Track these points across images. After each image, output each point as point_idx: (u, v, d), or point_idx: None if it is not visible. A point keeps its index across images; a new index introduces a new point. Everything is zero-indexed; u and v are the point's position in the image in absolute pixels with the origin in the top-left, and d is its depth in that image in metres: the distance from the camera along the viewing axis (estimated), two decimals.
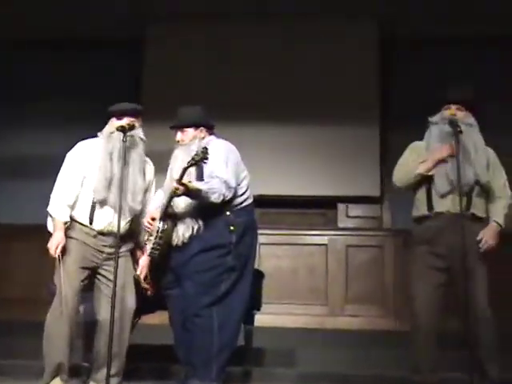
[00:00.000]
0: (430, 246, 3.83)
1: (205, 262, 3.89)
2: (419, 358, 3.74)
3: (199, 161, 3.80)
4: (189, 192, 3.81)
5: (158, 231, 3.94)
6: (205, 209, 3.93)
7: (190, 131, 4.13)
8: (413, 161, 3.94)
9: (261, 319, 6.17)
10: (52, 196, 4.01)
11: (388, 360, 5.37)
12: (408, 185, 3.97)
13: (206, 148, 3.84)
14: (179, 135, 4.14)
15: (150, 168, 4.22)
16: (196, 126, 4.13)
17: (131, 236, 4.12)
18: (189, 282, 3.89)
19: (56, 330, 3.87)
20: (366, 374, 5.47)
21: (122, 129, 3.91)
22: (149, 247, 3.99)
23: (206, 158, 3.80)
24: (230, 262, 3.92)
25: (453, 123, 3.73)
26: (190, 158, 3.82)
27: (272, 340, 6.21)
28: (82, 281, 3.98)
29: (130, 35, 7.69)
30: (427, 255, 3.83)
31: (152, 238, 3.97)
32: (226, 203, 3.95)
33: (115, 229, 3.86)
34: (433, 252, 3.82)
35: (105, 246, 4.00)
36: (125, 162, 3.88)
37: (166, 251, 3.99)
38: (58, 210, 3.95)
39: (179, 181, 3.78)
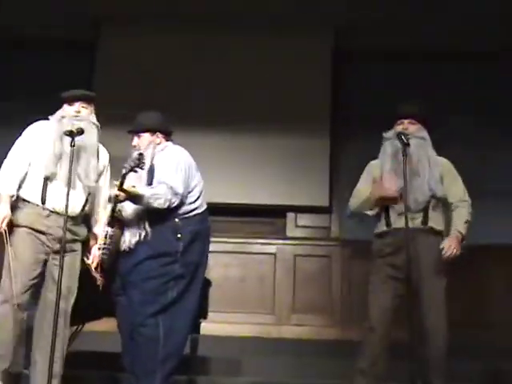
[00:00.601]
0: (388, 259, 3.88)
1: (151, 269, 3.83)
2: (369, 363, 3.76)
3: (134, 167, 3.76)
4: (131, 198, 3.77)
5: (105, 236, 3.88)
6: (153, 215, 3.89)
7: (146, 136, 4.10)
8: (365, 189, 3.95)
9: (207, 328, 6.13)
10: None
11: (333, 369, 5.39)
12: (361, 213, 4.02)
13: (141, 154, 3.81)
14: (135, 140, 4.11)
15: (104, 154, 4.15)
16: (152, 132, 4.10)
17: (84, 225, 4.03)
18: (134, 291, 3.84)
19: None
20: (312, 383, 5.49)
21: (69, 133, 3.82)
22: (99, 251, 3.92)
23: (141, 165, 3.76)
24: (177, 270, 3.87)
25: (400, 136, 3.77)
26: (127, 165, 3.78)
27: (218, 349, 6.18)
28: (34, 278, 3.84)
29: (81, 36, 7.60)
30: (385, 266, 3.88)
31: (101, 242, 3.91)
32: (175, 210, 3.91)
33: (70, 209, 3.75)
34: (390, 264, 3.86)
35: (58, 227, 3.81)
36: (71, 165, 3.79)
37: (115, 256, 3.92)
38: (1, 183, 3.82)
39: (120, 187, 3.73)
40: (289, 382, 5.49)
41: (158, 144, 4.09)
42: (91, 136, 3.98)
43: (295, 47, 7.57)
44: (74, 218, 3.89)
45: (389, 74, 7.38)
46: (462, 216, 3.88)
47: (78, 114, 3.98)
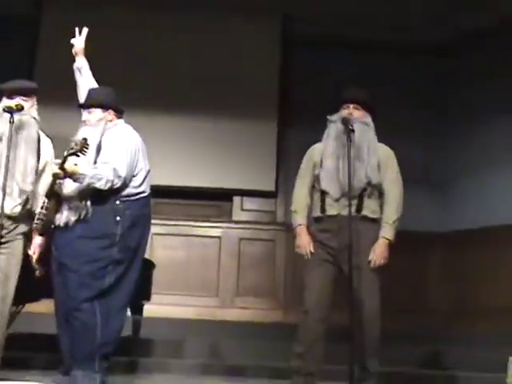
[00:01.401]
0: (323, 245, 3.90)
1: (88, 252, 3.78)
2: (305, 346, 3.80)
3: (76, 151, 3.71)
4: (72, 176, 3.72)
5: (42, 206, 3.84)
6: (95, 195, 3.83)
7: (98, 112, 4.00)
8: (302, 195, 3.99)
9: (151, 310, 6.15)
10: None
11: (276, 351, 5.45)
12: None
13: (85, 139, 3.74)
14: (86, 115, 4.02)
15: (47, 148, 4.06)
16: (104, 108, 4.02)
17: (27, 218, 3.96)
18: (71, 274, 3.78)
19: None
20: (255, 364, 5.53)
21: (9, 109, 3.74)
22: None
23: (84, 150, 3.71)
24: (115, 254, 3.82)
25: (345, 121, 3.80)
26: (72, 144, 3.72)
27: (162, 331, 6.17)
28: None
29: (27, 11, 7.43)
30: (320, 250, 3.90)
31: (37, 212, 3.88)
32: (117, 192, 3.86)
33: (6, 211, 3.70)
34: (325, 249, 3.89)
35: None
36: (11, 143, 3.70)
37: (50, 229, 3.88)
38: None
39: (61, 166, 3.68)
40: (231, 363, 5.52)
41: (110, 121, 4.02)
42: (31, 131, 3.90)
43: (244, 33, 7.56)
44: (13, 217, 3.84)
45: (335, 62, 7.43)
46: (391, 214, 3.89)
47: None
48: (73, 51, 4.35)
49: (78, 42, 4.34)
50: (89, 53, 4.33)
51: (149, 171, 4.04)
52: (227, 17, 7.49)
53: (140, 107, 7.16)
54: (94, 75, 4.37)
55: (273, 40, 7.65)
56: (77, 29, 4.35)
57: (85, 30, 4.37)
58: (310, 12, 7.38)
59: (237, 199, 7.60)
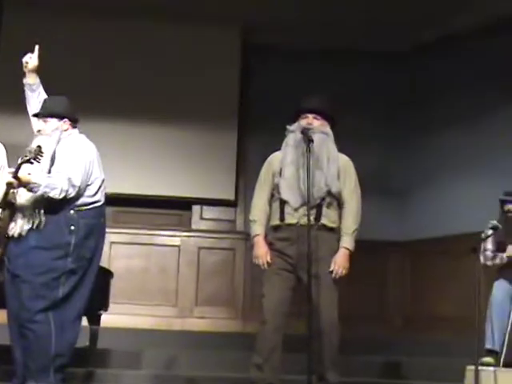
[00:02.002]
0: (281, 254, 3.90)
1: (42, 263, 3.73)
2: (263, 357, 3.78)
3: (30, 159, 3.67)
4: (26, 185, 3.67)
5: None
6: (48, 204, 3.78)
7: (53, 122, 3.97)
8: (260, 204, 3.98)
9: (109, 320, 6.07)
10: None
11: (235, 361, 5.42)
12: None
13: (39, 147, 3.71)
14: (41, 124, 3.98)
15: (0, 155, 4.00)
16: (59, 117, 3.98)
17: None
18: (24, 285, 3.73)
19: None
20: (213, 375, 5.50)
21: None
22: None
23: (38, 158, 3.67)
24: (69, 264, 3.78)
25: (304, 132, 3.81)
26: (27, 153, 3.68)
27: (119, 341, 6.10)
28: None
29: None
30: (278, 259, 3.89)
31: None
32: (72, 201, 3.82)
33: None
34: (283, 257, 3.89)
35: None
36: None
37: (4, 240, 3.81)
38: None
39: (14, 174, 3.63)
40: (189, 374, 5.47)
41: (65, 130, 3.99)
42: None
43: (204, 43, 7.52)
44: None
45: (295, 71, 7.47)
46: (350, 224, 3.92)
47: None
48: (25, 69, 4.26)
49: (32, 60, 4.25)
50: (40, 69, 4.27)
51: (103, 180, 4.00)
52: (188, 26, 7.46)
53: (100, 116, 7.12)
54: (51, 84, 4.31)
55: (233, 49, 7.65)
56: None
57: (36, 48, 4.29)
58: (271, 22, 7.40)
59: (196, 208, 7.56)
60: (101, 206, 3.96)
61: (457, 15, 7.02)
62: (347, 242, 3.90)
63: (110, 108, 7.25)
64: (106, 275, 5.40)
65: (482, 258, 4.86)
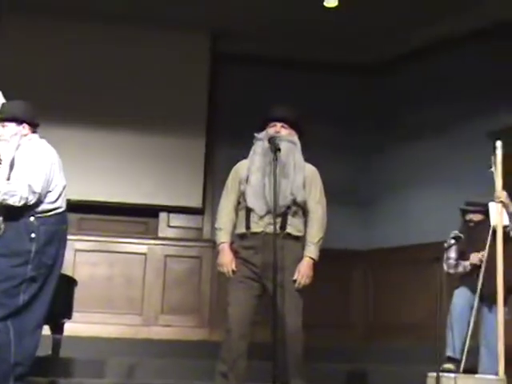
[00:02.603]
0: (247, 262, 3.91)
1: (1, 270, 3.68)
2: (228, 365, 3.78)
3: None
4: None
5: None
6: (8, 211, 3.74)
7: (12, 126, 3.91)
8: (227, 211, 3.99)
9: (73, 328, 6.01)
10: None
11: (201, 370, 5.40)
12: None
13: None
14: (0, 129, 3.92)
15: None
16: (18, 122, 3.93)
17: None
18: None
19: None
20: (177, 383, 5.47)
21: None
22: None
23: None
24: (29, 272, 3.73)
25: (271, 141, 3.83)
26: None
27: (83, 350, 6.04)
28: None
29: None
30: (243, 267, 3.90)
31: None
32: (32, 208, 3.77)
33: None
34: (248, 266, 3.90)
35: None
36: None
37: None
38: None
39: None
40: (152, 382, 5.44)
41: (25, 135, 3.93)
42: None
43: (173, 49, 7.53)
44: None
45: (264, 80, 7.51)
46: (315, 233, 3.94)
47: None
48: None
49: None
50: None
51: (65, 186, 3.96)
52: (156, 32, 7.45)
53: (64, 121, 7.07)
54: (13, 89, 4.26)
55: (202, 56, 7.65)
56: None
57: None
58: (240, 29, 7.44)
59: (163, 215, 7.53)
60: (62, 212, 3.92)
61: (423, 27, 7.13)
62: (311, 252, 3.92)
63: (74, 113, 7.19)
64: (69, 283, 5.36)
65: (445, 267, 4.94)
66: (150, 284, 7.07)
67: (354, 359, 6.33)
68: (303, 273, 3.88)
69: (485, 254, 4.67)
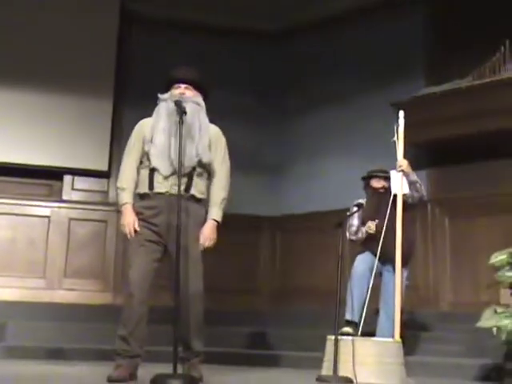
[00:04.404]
0: (148, 223, 3.87)
1: None
2: (129, 329, 3.76)
3: None
4: None
5: None
6: None
7: None
8: (131, 161, 3.91)
9: None
10: None
11: (104, 333, 5.37)
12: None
13: None
14: None
15: None
16: None
17: None
18: None
19: None
20: (80, 347, 5.43)
21: None
22: None
23: None
24: None
25: (178, 104, 3.78)
26: None
27: None
28: None
29: None
30: (144, 229, 3.86)
31: None
32: None
33: None
34: (150, 228, 3.86)
35: None
36: None
37: None
38: None
39: None
40: (54, 346, 5.38)
41: None
42: None
43: (81, 6, 7.28)
44: None
45: (173, 43, 7.40)
46: (218, 195, 3.94)
47: None
48: None
49: None
50: None
51: None
52: None
53: None
54: None
55: (111, 16, 7.44)
56: None
57: None
58: None
59: (68, 178, 7.34)
60: None
61: None
62: (214, 214, 3.92)
63: None
64: None
65: (347, 234, 5.07)
66: (54, 247, 6.92)
67: (257, 323, 6.44)
68: (207, 235, 3.88)
69: (377, 222, 4.84)
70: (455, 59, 6.53)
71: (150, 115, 4.06)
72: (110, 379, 3.62)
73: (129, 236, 3.87)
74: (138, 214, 3.88)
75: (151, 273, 3.83)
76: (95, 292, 6.91)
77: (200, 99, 4.02)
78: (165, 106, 3.94)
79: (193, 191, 3.88)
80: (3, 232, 6.84)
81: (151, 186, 3.87)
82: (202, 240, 3.87)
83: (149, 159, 3.89)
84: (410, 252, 5.06)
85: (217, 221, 3.93)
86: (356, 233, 5.14)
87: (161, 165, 3.85)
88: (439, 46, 6.75)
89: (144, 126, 3.99)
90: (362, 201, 5.24)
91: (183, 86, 4.00)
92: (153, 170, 3.87)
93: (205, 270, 3.87)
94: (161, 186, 3.85)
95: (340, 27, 7.33)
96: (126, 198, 3.91)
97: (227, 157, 4.05)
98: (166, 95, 3.99)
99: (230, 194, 4.02)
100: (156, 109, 3.99)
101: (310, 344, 5.34)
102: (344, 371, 4.02)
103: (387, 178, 4.93)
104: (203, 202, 3.95)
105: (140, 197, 3.92)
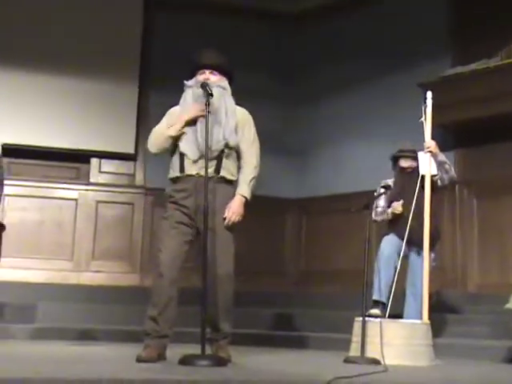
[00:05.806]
0: (179, 206, 3.89)
1: None
2: (159, 309, 3.79)
3: None
4: None
5: None
6: None
7: None
8: (167, 126, 3.96)
9: (1, 273, 5.93)
10: None
11: (132, 315, 5.44)
12: (162, 149, 3.98)
13: None
14: None
15: None
16: None
17: None
18: None
19: None
20: (108, 328, 5.50)
21: None
22: None
23: None
24: None
25: (204, 86, 3.79)
26: None
27: (12, 295, 5.99)
28: None
29: None
30: (176, 212, 3.88)
31: None
32: None
33: None
34: (182, 210, 3.88)
35: None
36: None
37: None
38: None
39: None
40: (82, 327, 5.44)
41: None
42: None
43: None
44: None
45: (196, 26, 7.38)
46: (247, 172, 3.93)
47: None
48: None
49: None
50: None
51: None
52: None
53: None
54: None
55: (135, 1, 7.47)
56: None
57: None
58: None
59: (94, 161, 7.38)
60: None
61: None
62: (243, 190, 3.91)
63: (3, 55, 6.94)
64: None
65: (373, 214, 5.05)
66: (81, 230, 6.99)
67: (284, 305, 6.46)
68: (234, 210, 3.86)
69: (403, 202, 4.81)
70: (481, 38, 6.43)
71: (175, 99, 4.08)
72: (139, 359, 3.66)
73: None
74: (169, 197, 3.91)
75: (182, 254, 3.85)
76: (122, 274, 6.97)
77: (225, 83, 4.02)
78: (191, 92, 3.96)
79: (223, 173, 3.89)
80: (31, 215, 6.92)
81: (182, 169, 3.90)
82: (228, 214, 3.86)
83: (178, 145, 3.91)
84: (438, 235, 5.03)
85: (245, 197, 3.92)
86: (382, 213, 5.12)
87: (189, 150, 3.87)
88: (464, 24, 6.64)
89: (173, 114, 4.02)
90: (390, 181, 5.21)
91: (207, 71, 3.99)
92: (182, 155, 3.90)
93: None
94: (191, 169, 3.87)
95: (366, 7, 7.25)
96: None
97: (256, 137, 4.04)
98: (191, 81, 4.00)
99: (259, 174, 4.01)
100: (183, 95, 4.02)
101: (336, 325, 5.35)
102: (371, 352, 4.03)
103: (415, 158, 4.88)
104: (233, 184, 3.95)
105: (172, 181, 3.95)
